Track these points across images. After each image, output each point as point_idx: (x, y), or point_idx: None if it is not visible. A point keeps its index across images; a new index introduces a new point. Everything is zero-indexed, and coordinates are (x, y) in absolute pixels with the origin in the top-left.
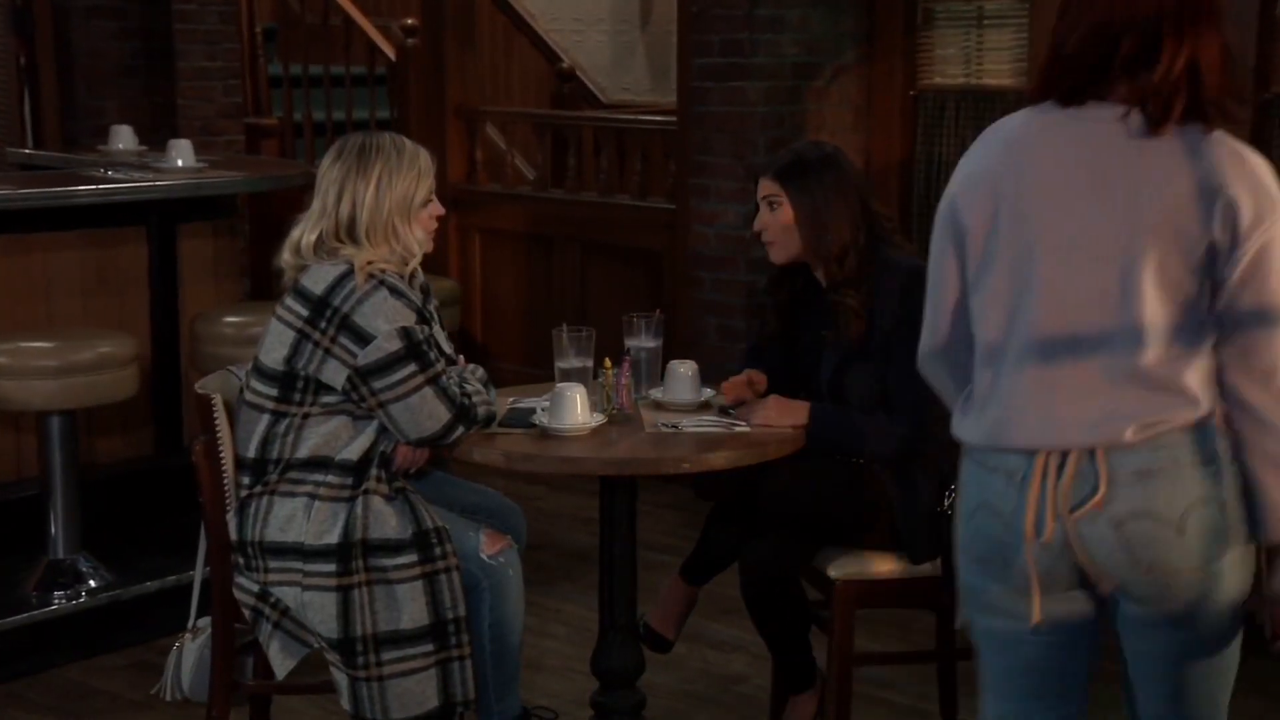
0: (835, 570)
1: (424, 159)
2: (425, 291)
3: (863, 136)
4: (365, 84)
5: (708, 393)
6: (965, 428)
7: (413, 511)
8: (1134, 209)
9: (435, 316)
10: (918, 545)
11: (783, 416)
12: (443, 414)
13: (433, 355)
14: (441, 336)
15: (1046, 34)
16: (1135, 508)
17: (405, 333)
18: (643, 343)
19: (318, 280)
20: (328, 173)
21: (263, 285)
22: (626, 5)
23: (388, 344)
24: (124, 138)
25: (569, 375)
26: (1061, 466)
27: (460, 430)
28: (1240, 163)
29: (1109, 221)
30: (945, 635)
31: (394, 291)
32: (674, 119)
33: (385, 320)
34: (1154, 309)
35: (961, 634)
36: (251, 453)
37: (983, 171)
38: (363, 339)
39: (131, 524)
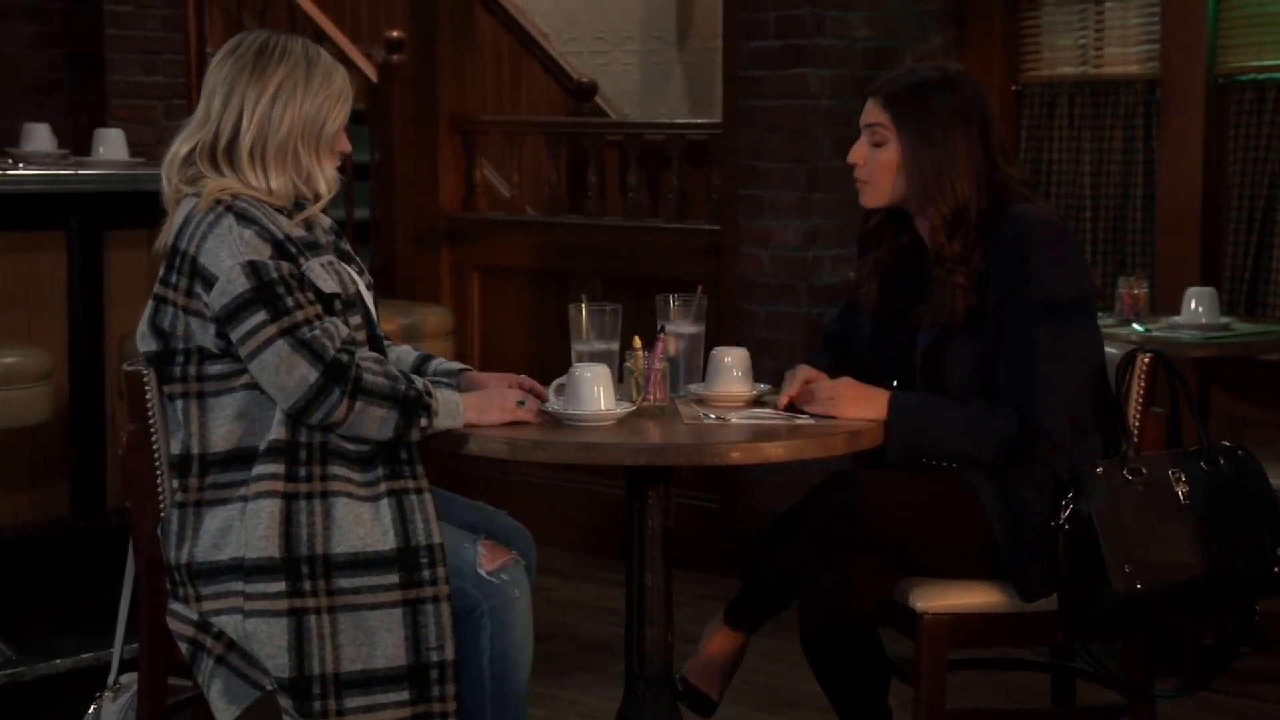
0: (921, 601)
1: (341, 79)
2: (337, 234)
3: None
4: None
5: (762, 388)
6: None
7: (403, 520)
8: None
9: (337, 258)
10: (1028, 574)
11: (856, 406)
12: (308, 372)
13: (292, 300)
14: (328, 281)
15: (1182, 12)
16: None
17: (252, 269)
18: (681, 328)
19: (170, 229)
20: (216, 70)
21: None
22: (661, 18)
23: (231, 284)
24: (39, 138)
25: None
26: None
27: (336, 395)
28: None
29: None
30: (1063, 690)
31: (242, 218)
32: (717, 123)
33: (229, 254)
34: None
35: (1083, 690)
36: (175, 449)
37: None
38: (209, 281)
39: (40, 597)
